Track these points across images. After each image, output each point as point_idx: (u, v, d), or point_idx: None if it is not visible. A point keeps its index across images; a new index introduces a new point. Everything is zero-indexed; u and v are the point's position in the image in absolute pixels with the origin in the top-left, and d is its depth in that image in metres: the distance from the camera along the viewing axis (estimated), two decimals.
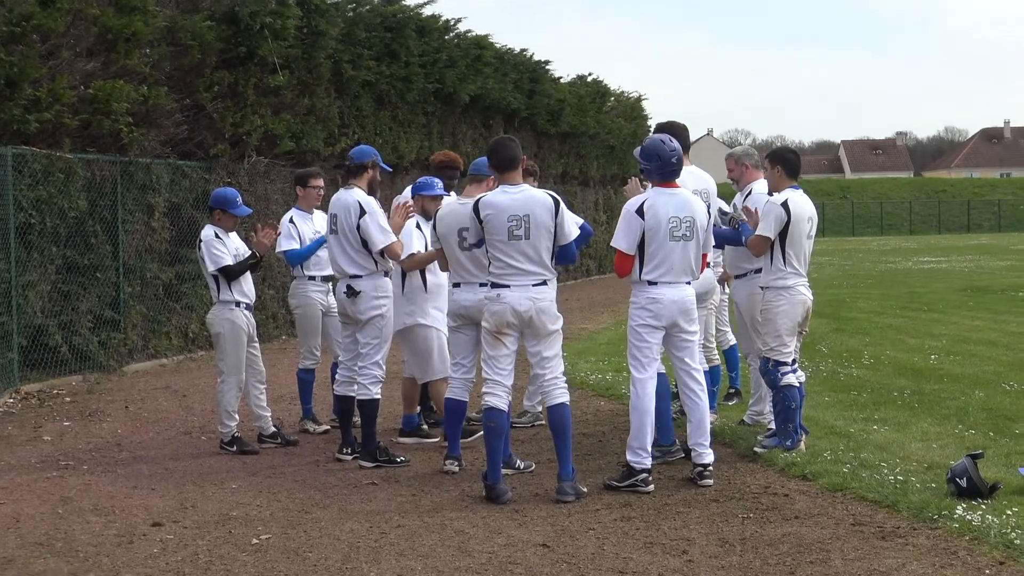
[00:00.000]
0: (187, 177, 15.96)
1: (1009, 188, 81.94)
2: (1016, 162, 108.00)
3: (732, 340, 11.31)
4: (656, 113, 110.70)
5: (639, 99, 37.38)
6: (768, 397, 9.66)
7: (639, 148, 8.32)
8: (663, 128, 8.94)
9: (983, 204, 77.49)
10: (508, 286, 7.91)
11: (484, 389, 8.08)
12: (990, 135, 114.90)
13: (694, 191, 8.63)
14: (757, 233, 8.92)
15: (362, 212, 8.92)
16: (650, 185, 8.28)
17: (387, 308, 9.10)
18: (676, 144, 8.21)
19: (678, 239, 8.04)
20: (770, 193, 9.25)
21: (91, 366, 13.98)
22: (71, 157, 13.65)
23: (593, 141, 33.06)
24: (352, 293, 9.04)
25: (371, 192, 9.19)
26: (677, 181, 8.23)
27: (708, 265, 8.89)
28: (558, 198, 8.10)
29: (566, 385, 8.11)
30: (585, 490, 8.00)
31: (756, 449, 8.98)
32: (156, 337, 15.24)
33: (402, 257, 9.14)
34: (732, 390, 11.43)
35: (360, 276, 9.04)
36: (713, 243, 8.51)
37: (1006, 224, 75.05)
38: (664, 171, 8.14)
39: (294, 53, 17.73)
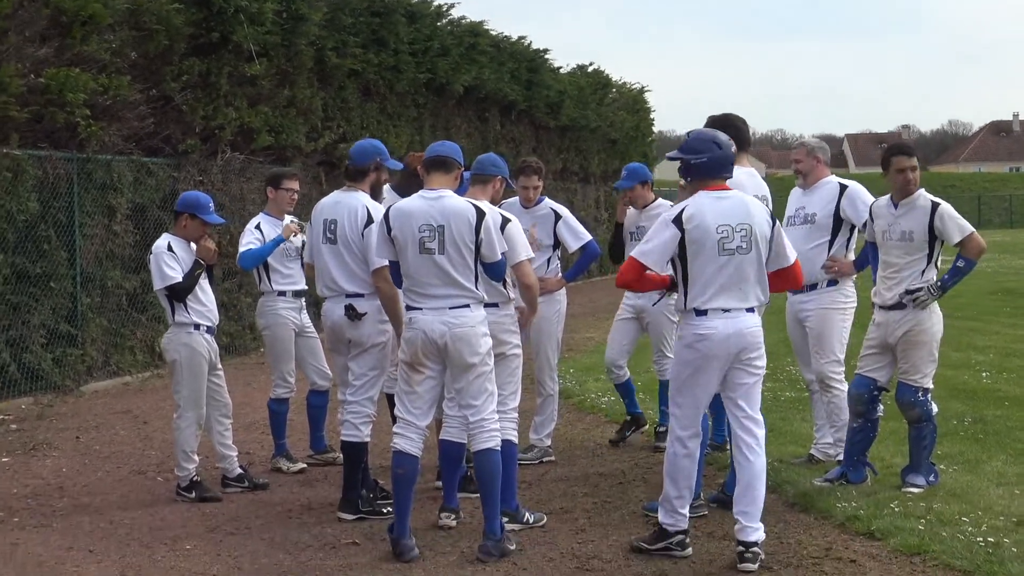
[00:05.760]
0: (153, 175, 14.48)
1: (1020, 183, 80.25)
2: None
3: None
4: (657, 106, 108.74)
5: (642, 91, 35.80)
6: (833, 428, 8.60)
7: (681, 146, 6.78)
8: (717, 122, 7.47)
9: (994, 199, 75.58)
10: (420, 308, 6.69)
11: (394, 429, 6.85)
12: (999, 128, 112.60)
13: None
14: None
15: (369, 220, 7.46)
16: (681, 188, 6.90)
17: (391, 334, 7.63)
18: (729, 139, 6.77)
19: (731, 252, 6.40)
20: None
21: (44, 386, 12.53)
22: (20, 154, 12.21)
23: (594, 135, 31.58)
24: (355, 315, 7.57)
25: (375, 198, 7.75)
26: (729, 183, 6.64)
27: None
28: (484, 209, 6.81)
29: (497, 426, 6.80)
30: (513, 547, 6.78)
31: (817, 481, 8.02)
32: (118, 352, 13.77)
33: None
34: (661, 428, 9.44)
35: (362, 295, 7.58)
36: (793, 257, 6.74)
37: (1017, 220, 73.30)
38: (714, 166, 6.56)
39: (272, 40, 16.30)
